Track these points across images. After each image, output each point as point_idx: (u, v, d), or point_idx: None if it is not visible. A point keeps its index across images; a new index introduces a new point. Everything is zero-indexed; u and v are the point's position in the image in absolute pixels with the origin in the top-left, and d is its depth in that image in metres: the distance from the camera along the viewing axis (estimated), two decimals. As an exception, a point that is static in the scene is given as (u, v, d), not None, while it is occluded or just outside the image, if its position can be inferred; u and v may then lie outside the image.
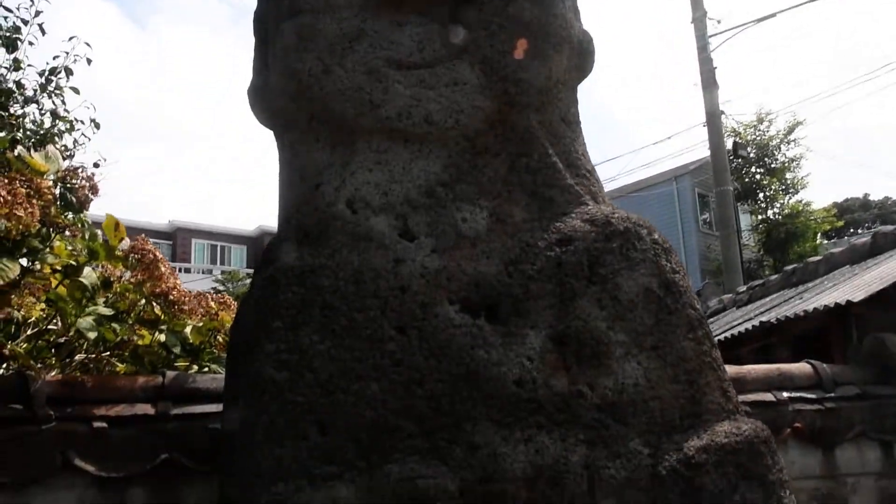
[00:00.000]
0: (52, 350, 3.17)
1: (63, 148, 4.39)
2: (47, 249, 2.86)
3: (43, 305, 2.78)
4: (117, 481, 2.87)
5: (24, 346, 3.00)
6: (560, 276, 2.17)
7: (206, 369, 3.30)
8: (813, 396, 3.44)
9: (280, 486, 1.99)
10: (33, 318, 3.03)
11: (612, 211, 2.30)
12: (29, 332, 3.08)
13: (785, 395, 3.38)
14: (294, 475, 2.00)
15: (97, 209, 3.25)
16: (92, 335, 2.96)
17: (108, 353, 3.22)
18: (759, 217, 21.40)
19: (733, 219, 13.64)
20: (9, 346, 2.96)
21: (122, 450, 2.89)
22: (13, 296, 2.63)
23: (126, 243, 3.11)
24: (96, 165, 3.60)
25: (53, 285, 2.98)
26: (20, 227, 2.61)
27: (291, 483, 1.99)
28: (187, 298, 3.29)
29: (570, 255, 2.19)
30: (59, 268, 3.02)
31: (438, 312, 2.13)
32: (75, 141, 4.61)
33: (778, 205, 21.24)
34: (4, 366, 2.94)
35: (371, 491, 1.95)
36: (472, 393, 2.06)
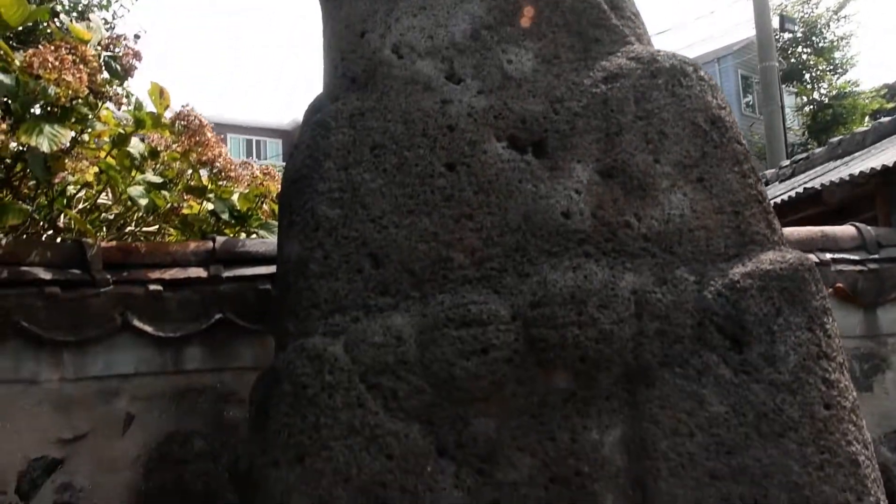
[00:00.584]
0: (104, 219, 3.28)
1: (103, 21, 4.43)
2: (95, 118, 2.94)
3: (95, 170, 2.87)
4: (174, 341, 3.02)
5: (78, 216, 3.11)
6: (606, 111, 2.21)
7: (255, 235, 3.41)
8: (856, 258, 3.48)
9: (336, 318, 2.09)
10: (84, 192, 3.13)
11: (658, 50, 2.33)
12: (83, 203, 3.20)
13: (828, 256, 3.42)
14: (350, 306, 2.10)
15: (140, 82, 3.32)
16: (143, 202, 3.06)
17: (160, 220, 3.33)
18: (805, 99, 20.62)
19: (778, 95, 13.36)
20: (66, 214, 3.08)
21: (177, 311, 3.04)
22: (67, 160, 2.73)
23: (171, 112, 3.18)
24: (137, 37, 3.63)
25: (102, 156, 3.07)
26: (69, 92, 2.68)
27: (348, 314, 2.09)
28: (233, 166, 3.38)
29: (616, 91, 2.23)
30: (106, 138, 3.11)
31: (487, 149, 2.19)
32: (114, 13, 4.63)
33: (825, 86, 20.43)
34: (61, 236, 3.07)
35: (425, 318, 2.05)
36: (520, 225, 2.13)
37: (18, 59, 2.65)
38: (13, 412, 2.84)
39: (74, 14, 4.25)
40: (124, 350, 3.01)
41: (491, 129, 2.21)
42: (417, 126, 2.21)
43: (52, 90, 2.65)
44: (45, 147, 2.64)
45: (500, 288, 2.08)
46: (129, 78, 3.04)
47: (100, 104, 2.96)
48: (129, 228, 3.33)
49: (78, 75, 2.68)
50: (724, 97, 2.27)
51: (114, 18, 4.69)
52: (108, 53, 2.99)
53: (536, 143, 2.21)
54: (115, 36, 2.99)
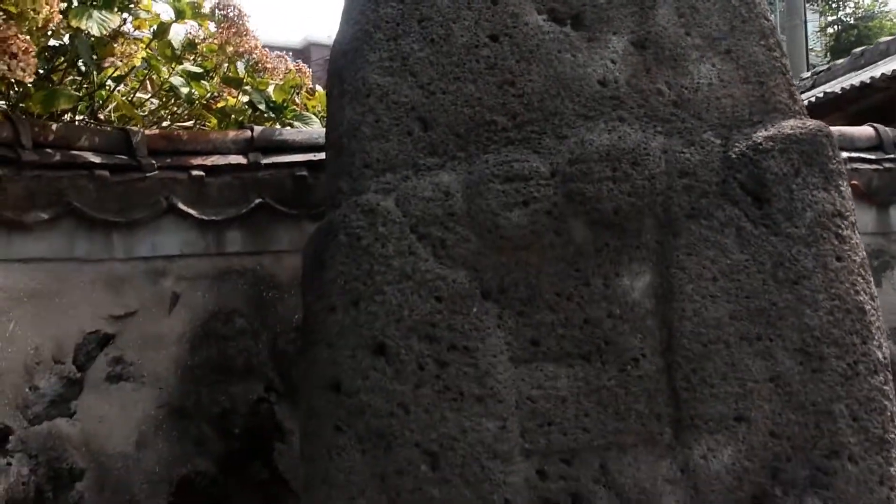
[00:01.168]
0: (144, 110, 3.45)
1: None
2: (137, 6, 3.09)
3: (143, 54, 3.03)
4: (216, 224, 3.21)
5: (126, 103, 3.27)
6: (641, -14, 2.38)
7: (289, 126, 3.59)
8: (872, 157, 3.66)
9: (388, 176, 2.29)
10: (124, 84, 3.28)
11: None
12: (123, 94, 3.36)
13: (844, 154, 3.60)
14: (400, 166, 2.29)
15: None
16: (184, 90, 3.23)
17: (199, 111, 3.50)
18: (829, 18, 20.13)
19: (801, 10, 13.24)
20: (112, 100, 3.25)
21: (218, 196, 3.23)
22: (115, 45, 2.88)
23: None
24: None
25: (143, 45, 3.22)
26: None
27: (398, 172, 2.29)
28: (268, 58, 3.54)
29: (649, -31, 2.39)
30: (147, 29, 3.26)
31: (528, 21, 2.36)
32: None
33: (850, 4, 19.91)
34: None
35: (471, 175, 2.25)
36: (559, 91, 2.31)
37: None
38: (68, 289, 3.04)
39: None
40: (170, 232, 3.20)
41: (531, 2, 2.38)
42: (462, 0, 2.37)
43: (103, -29, 2.79)
44: (94, 30, 2.79)
45: (539, 148, 2.27)
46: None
47: (143, -10, 3.10)
48: (165, 123, 3.49)
49: (130, -43, 2.82)
50: (752, -25, 2.43)
51: None
52: None
53: (575, 16, 2.38)
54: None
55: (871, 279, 2.24)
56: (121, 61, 2.97)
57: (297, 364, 2.39)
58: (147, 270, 3.20)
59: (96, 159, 3.02)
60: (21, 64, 2.26)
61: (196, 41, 3.43)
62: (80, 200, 2.94)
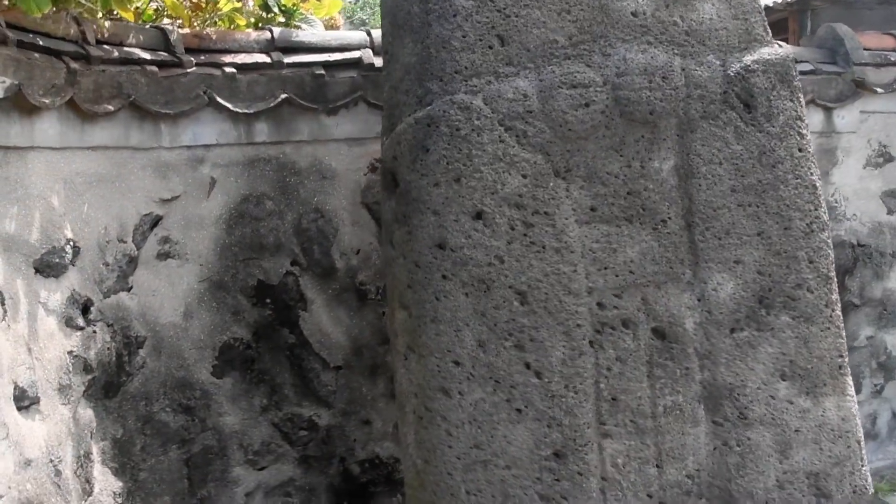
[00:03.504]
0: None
1: None
2: None
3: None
4: (247, 116, 3.72)
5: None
6: (660, -59, 3.19)
7: (297, 28, 4.12)
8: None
9: (474, 81, 3.01)
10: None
11: None
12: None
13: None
14: (484, 73, 3.02)
15: None
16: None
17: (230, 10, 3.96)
18: None
19: None
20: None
21: (247, 91, 3.72)
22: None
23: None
24: None
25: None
26: None
27: (483, 78, 3.02)
28: (279, -37, 4.05)
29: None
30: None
31: (577, -37, 3.12)
32: None
33: None
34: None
35: (542, 82, 3.01)
36: (603, 19, 3.10)
37: None
38: (126, 174, 3.51)
39: None
40: (207, 123, 3.68)
41: (581, -52, 3.13)
42: (525, -53, 3.09)
43: None
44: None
45: (590, 63, 3.07)
46: None
47: None
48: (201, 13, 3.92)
49: None
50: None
51: None
52: None
53: (612, -38, 3.16)
54: None
55: (815, 163, 3.22)
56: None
57: (396, 229, 3.08)
58: (189, 158, 3.68)
59: (146, 55, 3.46)
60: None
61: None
62: (136, 93, 3.40)
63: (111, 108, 3.38)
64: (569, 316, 2.95)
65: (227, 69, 3.72)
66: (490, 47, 3.02)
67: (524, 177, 2.94)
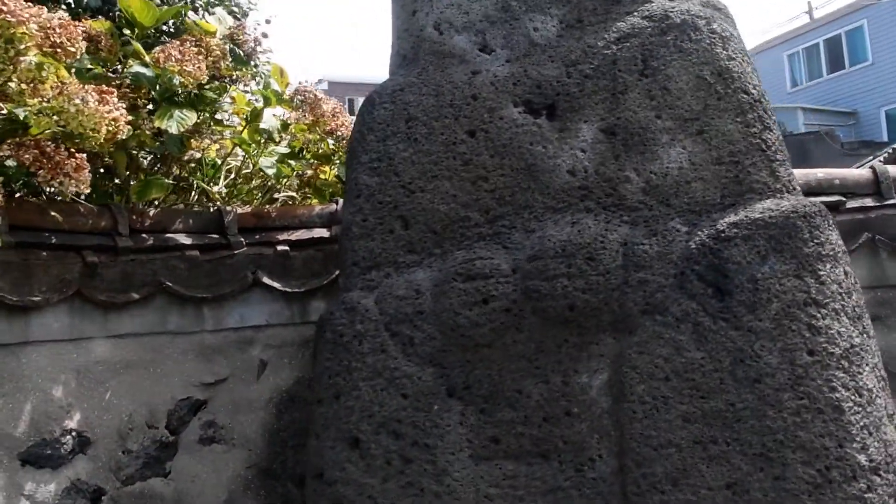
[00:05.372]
0: (249, 188, 3.90)
1: (237, 6, 5.08)
2: (226, 100, 3.53)
3: (217, 147, 3.46)
4: (300, 295, 3.55)
5: (223, 185, 3.73)
6: (614, 72, 2.41)
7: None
8: None
9: (372, 273, 2.51)
10: (227, 164, 3.74)
11: (676, 5, 2.47)
12: (224, 174, 3.82)
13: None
14: (383, 263, 2.50)
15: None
16: (271, 171, 3.63)
17: (301, 187, 3.89)
18: None
19: None
20: (212, 191, 3.71)
21: (302, 268, 3.56)
22: (193, 140, 3.33)
23: (292, 88, 3.72)
24: (268, 22, 4.22)
25: (239, 131, 3.67)
26: (191, 80, 3.27)
27: (381, 270, 2.50)
28: (353, 133, 3.87)
29: (624, 51, 2.42)
30: (242, 116, 3.70)
31: (504, 115, 2.48)
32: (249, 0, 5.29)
33: None
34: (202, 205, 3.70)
35: (439, 273, 2.41)
36: (530, 184, 2.41)
37: (150, 56, 3.28)
38: (161, 359, 3.45)
39: (208, 3, 4.93)
40: (256, 304, 3.55)
41: (509, 95, 2.49)
42: (446, 97, 2.54)
43: (176, 80, 3.25)
44: (173, 129, 3.25)
45: (508, 243, 2.39)
46: (253, 62, 3.59)
47: (229, 86, 3.54)
48: (276, 195, 3.91)
49: (197, 65, 3.26)
50: (739, 47, 2.38)
51: (248, 4, 5.34)
52: (233, 41, 3.56)
53: (549, 106, 2.46)
54: (238, 25, 3.56)
55: (861, 369, 2.11)
56: (198, 153, 3.40)
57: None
58: (236, 340, 3.54)
59: (187, 241, 3.46)
60: (73, 181, 2.72)
61: (289, 122, 3.83)
62: (172, 279, 3.40)
63: (137, 296, 3.46)
64: (450, 584, 2.26)
65: (281, 247, 3.65)
66: (391, 232, 2.52)
67: (404, 397, 2.36)
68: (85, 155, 2.87)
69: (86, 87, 2.94)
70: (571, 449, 2.22)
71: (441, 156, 2.49)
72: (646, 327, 2.18)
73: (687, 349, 2.13)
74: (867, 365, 2.14)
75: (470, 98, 2.51)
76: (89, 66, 3.25)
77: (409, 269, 2.46)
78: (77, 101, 2.69)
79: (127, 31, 3.47)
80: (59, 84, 2.81)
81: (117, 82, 3.29)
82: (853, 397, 2.06)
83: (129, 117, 3.02)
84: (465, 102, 2.51)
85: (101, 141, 2.88)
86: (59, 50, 2.80)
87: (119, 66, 3.35)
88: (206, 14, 3.53)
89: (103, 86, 3.00)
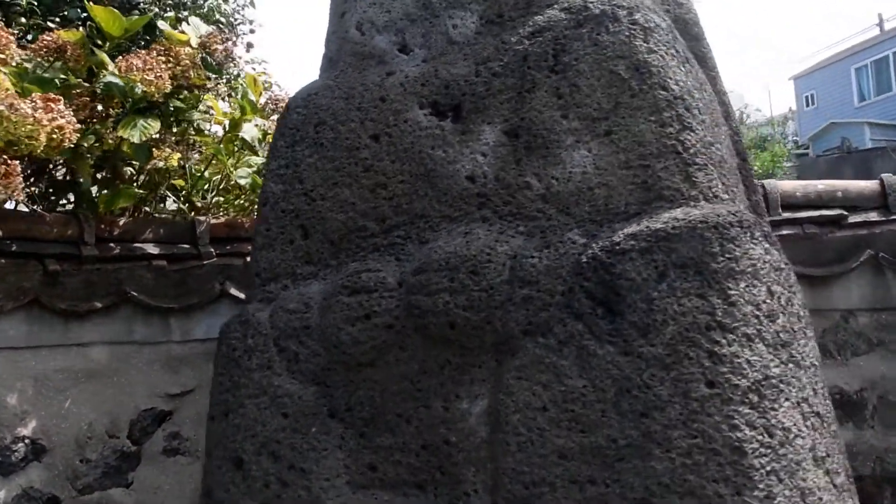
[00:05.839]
0: (227, 198, 3.77)
1: (222, 14, 4.97)
2: (196, 109, 3.40)
3: (178, 156, 3.33)
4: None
5: (199, 195, 3.60)
6: (523, 69, 2.14)
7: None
8: None
9: (271, 286, 2.31)
10: (202, 173, 3.62)
11: (599, -5, 2.18)
12: (200, 184, 3.70)
13: None
14: (282, 275, 2.30)
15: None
16: (245, 182, 3.48)
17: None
18: None
19: None
20: (193, 201, 3.59)
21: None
22: (155, 149, 3.21)
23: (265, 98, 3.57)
24: (252, 31, 4.15)
25: (218, 141, 3.54)
26: (154, 89, 3.15)
27: (280, 282, 2.30)
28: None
29: (536, 46, 2.15)
30: (220, 126, 3.57)
31: (408, 118, 2.25)
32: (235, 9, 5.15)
33: None
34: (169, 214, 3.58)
35: (331, 285, 2.18)
36: (427, 191, 2.16)
37: (114, 65, 3.18)
38: (125, 369, 3.38)
39: (185, 13, 4.84)
40: (224, 315, 3.42)
41: (416, 97, 2.26)
42: (355, 101, 2.33)
43: (138, 88, 3.14)
44: (135, 138, 3.14)
45: (401, 255, 2.15)
46: (225, 71, 3.46)
47: (200, 95, 3.41)
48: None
49: (159, 74, 3.14)
50: (663, 39, 2.07)
51: (234, 13, 5.22)
52: (205, 50, 3.43)
53: (455, 107, 2.22)
54: (211, 34, 3.43)
55: (784, 405, 1.77)
56: (161, 162, 3.28)
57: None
58: (204, 351, 3.41)
59: (154, 250, 3.37)
60: (4, 185, 2.63)
61: (268, 132, 3.69)
62: (137, 288, 3.30)
63: (100, 305, 3.38)
64: None
65: (249, 257, 3.53)
66: (291, 242, 2.32)
67: (285, 416, 2.14)
68: (18, 161, 2.76)
69: (29, 95, 2.86)
70: (448, 481, 1.95)
71: (343, 161, 2.27)
72: (527, 350, 1.90)
73: (568, 376, 1.84)
74: (788, 400, 1.79)
75: (378, 100, 2.29)
76: (62, 76, 3.17)
77: (304, 282, 2.25)
78: (1, 107, 2.58)
79: (100, 42, 3.39)
80: (4, 93, 2.72)
81: (91, 91, 3.20)
82: (760, 437, 1.72)
83: (78, 126, 2.91)
84: (373, 105, 2.29)
85: (43, 148, 2.77)
86: (-5, 56, 2.71)
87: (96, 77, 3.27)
88: (185, 23, 3.41)
89: (50, 94, 2.90)
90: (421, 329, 2.01)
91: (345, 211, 2.23)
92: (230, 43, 3.44)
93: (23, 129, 2.65)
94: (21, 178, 2.75)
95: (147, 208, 3.54)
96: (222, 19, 4.64)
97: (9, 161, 2.75)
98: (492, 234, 2.02)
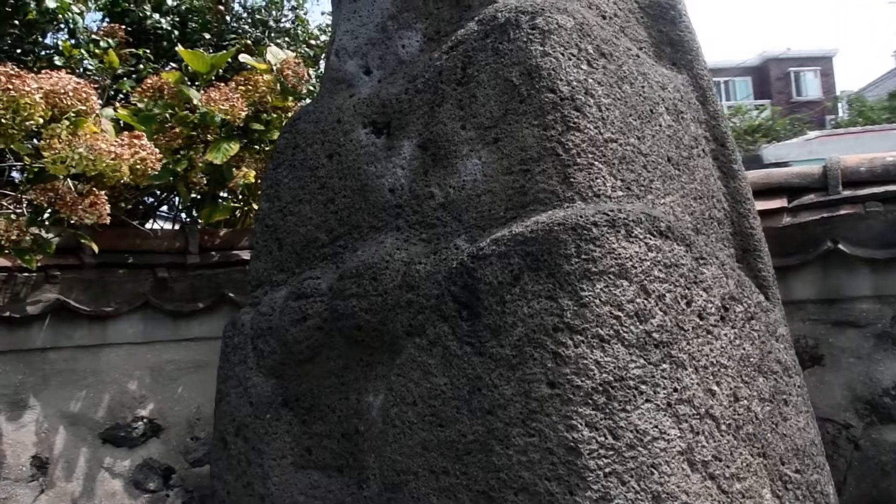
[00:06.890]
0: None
1: (313, 34, 5.15)
2: (277, 129, 3.70)
3: (254, 173, 3.63)
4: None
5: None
6: (437, 83, 2.19)
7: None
8: None
9: (258, 292, 2.53)
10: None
11: (512, 5, 2.15)
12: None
13: None
14: (264, 282, 2.52)
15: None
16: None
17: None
18: None
19: None
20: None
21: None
22: (235, 169, 3.55)
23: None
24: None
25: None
26: (233, 115, 3.49)
27: (262, 288, 2.51)
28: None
29: (449, 60, 2.18)
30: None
31: (353, 137, 2.37)
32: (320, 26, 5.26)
33: None
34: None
35: (288, 290, 2.36)
36: (362, 204, 2.28)
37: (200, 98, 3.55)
38: None
39: (274, 35, 5.07)
40: (221, 319, 3.72)
41: (361, 117, 2.37)
42: (321, 124, 2.48)
43: (218, 117, 3.49)
44: (217, 160, 3.49)
45: (339, 263, 2.28)
46: (299, 94, 3.73)
47: (283, 116, 3.71)
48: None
49: (233, 103, 3.48)
50: (562, 40, 2.01)
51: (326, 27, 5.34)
52: (280, 76, 3.71)
53: (387, 124, 2.30)
54: (284, 61, 3.71)
55: (641, 407, 1.72)
56: (242, 180, 3.61)
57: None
58: None
59: (248, 256, 3.75)
60: (88, 215, 3.05)
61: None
62: (234, 290, 3.69)
63: (202, 305, 3.80)
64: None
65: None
66: (270, 253, 2.54)
67: (251, 405, 2.37)
68: (104, 192, 3.16)
69: (117, 136, 3.25)
70: (356, 466, 2.07)
71: (306, 180, 2.44)
72: (407, 349, 1.96)
73: (434, 374, 1.89)
74: (650, 402, 1.73)
75: (336, 122, 2.43)
76: (157, 112, 3.57)
77: (277, 288, 2.44)
78: (81, 149, 2.98)
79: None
80: (90, 135, 3.14)
81: (185, 121, 3.58)
82: (601, 438, 1.68)
83: (160, 156, 3.26)
84: (332, 127, 2.43)
85: (128, 177, 3.16)
86: (81, 107, 3.11)
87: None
88: (267, 51, 3.72)
89: (136, 131, 3.29)
90: (339, 331, 2.13)
91: (305, 224, 2.38)
92: (300, 66, 3.68)
93: (102, 164, 3.03)
94: (108, 206, 3.16)
95: (246, 219, 3.89)
96: (311, 41, 4.91)
97: (96, 191, 3.16)
98: (397, 243, 2.09)
